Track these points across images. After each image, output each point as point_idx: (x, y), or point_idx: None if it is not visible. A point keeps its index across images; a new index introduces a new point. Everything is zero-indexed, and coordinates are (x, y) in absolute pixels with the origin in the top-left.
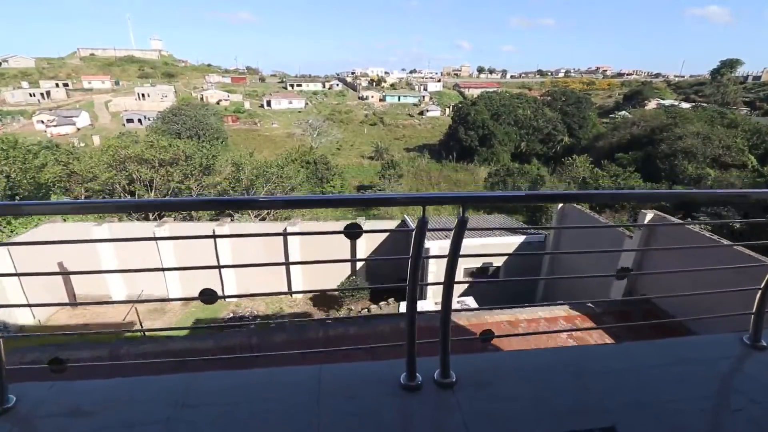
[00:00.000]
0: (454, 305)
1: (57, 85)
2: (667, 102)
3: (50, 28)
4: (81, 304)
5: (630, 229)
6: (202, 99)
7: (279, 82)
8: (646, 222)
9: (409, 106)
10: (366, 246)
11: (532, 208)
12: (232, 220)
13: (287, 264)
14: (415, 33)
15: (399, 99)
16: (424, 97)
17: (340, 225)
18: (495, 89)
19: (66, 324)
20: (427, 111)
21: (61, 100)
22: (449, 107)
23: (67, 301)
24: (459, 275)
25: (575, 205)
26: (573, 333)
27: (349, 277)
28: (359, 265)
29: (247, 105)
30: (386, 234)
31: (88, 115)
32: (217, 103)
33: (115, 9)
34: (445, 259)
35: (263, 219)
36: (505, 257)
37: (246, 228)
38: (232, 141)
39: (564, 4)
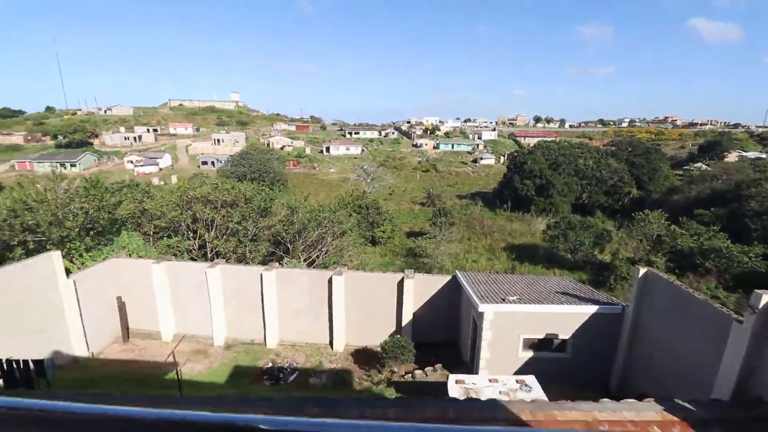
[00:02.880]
0: (512, 384)
1: (148, 130)
2: (750, 154)
3: (150, 81)
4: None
5: (740, 311)
6: (268, 145)
7: (338, 130)
8: (761, 306)
9: (463, 153)
10: (414, 300)
11: (598, 267)
12: (280, 265)
13: (330, 317)
14: (470, 82)
15: (452, 147)
16: (478, 145)
17: (386, 276)
18: (553, 138)
19: (115, 359)
20: (481, 159)
21: (149, 143)
22: (504, 155)
23: (119, 334)
24: (518, 347)
25: (661, 274)
26: None
27: (393, 333)
28: (405, 320)
29: (308, 150)
30: (435, 290)
31: (170, 157)
32: (281, 148)
33: (205, 66)
34: (502, 330)
35: (311, 264)
36: (574, 327)
37: (293, 274)
38: (291, 183)
39: (624, 52)
